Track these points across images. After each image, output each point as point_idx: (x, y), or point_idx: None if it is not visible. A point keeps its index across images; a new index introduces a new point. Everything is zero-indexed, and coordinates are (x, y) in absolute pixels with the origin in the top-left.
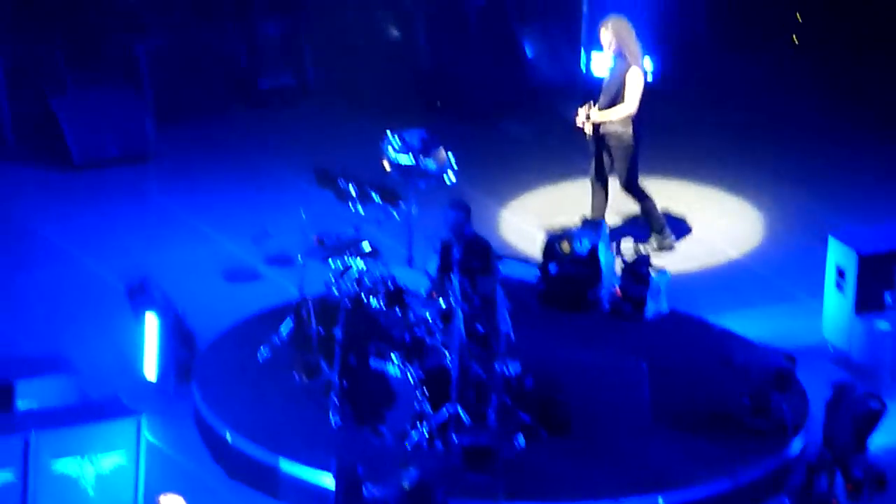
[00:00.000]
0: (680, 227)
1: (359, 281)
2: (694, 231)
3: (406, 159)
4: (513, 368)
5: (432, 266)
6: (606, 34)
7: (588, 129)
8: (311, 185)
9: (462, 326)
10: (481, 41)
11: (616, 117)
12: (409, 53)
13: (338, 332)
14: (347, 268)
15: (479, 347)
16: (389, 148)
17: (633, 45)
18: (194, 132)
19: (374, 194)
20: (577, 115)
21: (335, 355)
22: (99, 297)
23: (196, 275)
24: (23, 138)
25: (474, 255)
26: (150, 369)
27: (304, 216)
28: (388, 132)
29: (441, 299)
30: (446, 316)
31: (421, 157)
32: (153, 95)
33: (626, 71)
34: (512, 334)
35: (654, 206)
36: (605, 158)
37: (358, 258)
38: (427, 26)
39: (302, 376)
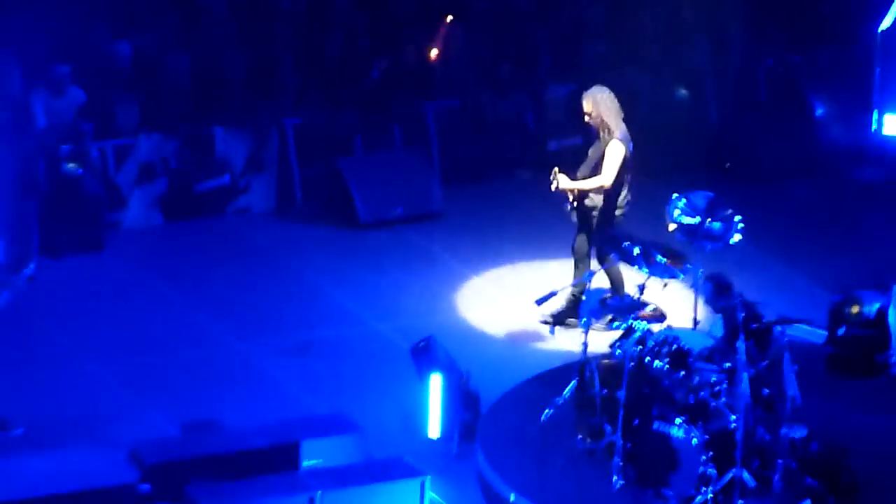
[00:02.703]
0: None
1: (642, 342)
2: None
3: (692, 221)
4: (799, 432)
5: (718, 328)
6: (587, 105)
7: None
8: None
9: (748, 389)
10: (770, 102)
11: (587, 187)
12: (697, 115)
13: (621, 394)
14: (631, 329)
15: (765, 411)
16: (675, 210)
17: (614, 118)
18: (481, 193)
19: (658, 256)
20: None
21: (618, 417)
22: (384, 357)
23: (480, 335)
24: (310, 198)
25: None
26: (434, 430)
27: (589, 278)
28: (675, 194)
29: (726, 362)
30: (731, 378)
31: (707, 219)
32: (440, 156)
33: (607, 143)
34: (798, 398)
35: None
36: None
37: (642, 320)
38: (716, 87)
39: (585, 438)
